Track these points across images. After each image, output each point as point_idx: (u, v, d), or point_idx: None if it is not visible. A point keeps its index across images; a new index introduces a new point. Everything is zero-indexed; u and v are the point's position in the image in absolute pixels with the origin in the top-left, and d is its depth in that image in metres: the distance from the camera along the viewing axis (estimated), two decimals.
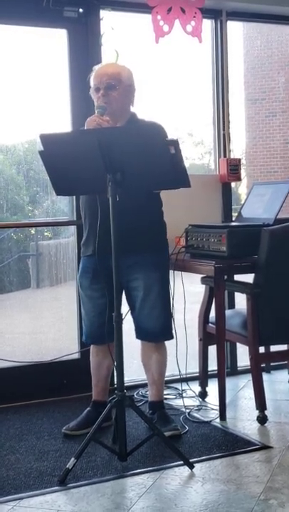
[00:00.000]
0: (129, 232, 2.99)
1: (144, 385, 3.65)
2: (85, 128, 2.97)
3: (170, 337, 3.20)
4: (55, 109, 3.98)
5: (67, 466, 2.68)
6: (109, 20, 3.77)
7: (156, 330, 3.15)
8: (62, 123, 3.87)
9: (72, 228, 3.99)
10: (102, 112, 2.96)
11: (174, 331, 3.22)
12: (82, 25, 3.75)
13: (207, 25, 4.10)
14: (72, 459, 2.69)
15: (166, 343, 3.25)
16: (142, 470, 2.75)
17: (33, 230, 5.34)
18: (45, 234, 5.25)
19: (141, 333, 3.18)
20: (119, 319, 2.78)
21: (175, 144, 2.66)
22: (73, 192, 3.31)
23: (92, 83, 3.12)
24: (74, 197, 3.84)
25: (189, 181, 2.78)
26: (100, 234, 2.95)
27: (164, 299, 3.15)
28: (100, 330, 3.13)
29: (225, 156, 4.18)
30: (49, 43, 3.92)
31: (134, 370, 4.05)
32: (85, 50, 3.76)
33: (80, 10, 3.73)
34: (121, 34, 3.79)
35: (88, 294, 3.20)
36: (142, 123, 3.14)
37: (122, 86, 3.07)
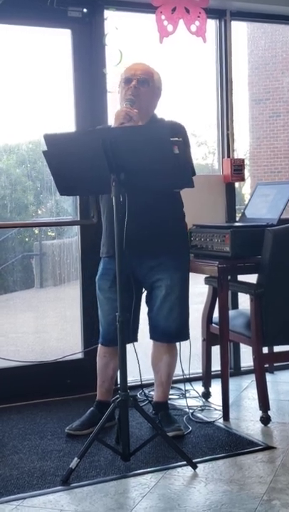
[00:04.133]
0: (145, 232, 2.97)
1: (147, 385, 3.64)
2: (114, 120, 2.95)
3: (185, 338, 3.20)
4: (59, 109, 3.98)
5: (71, 465, 2.68)
6: (114, 20, 3.77)
7: (173, 331, 3.14)
8: (66, 123, 3.88)
9: (76, 228, 3.99)
10: (131, 104, 2.96)
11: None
12: (87, 25, 3.76)
13: (211, 25, 4.10)
14: (76, 458, 2.70)
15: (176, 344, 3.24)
16: (145, 470, 2.75)
17: (36, 230, 5.35)
18: (49, 234, 5.25)
19: (156, 333, 3.17)
20: (123, 319, 2.78)
21: (179, 144, 2.66)
22: (77, 192, 3.31)
23: (123, 75, 3.09)
24: (78, 197, 3.84)
25: (193, 182, 2.78)
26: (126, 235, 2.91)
27: (183, 300, 3.15)
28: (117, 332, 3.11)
29: (229, 156, 4.18)
30: (53, 43, 3.92)
31: (137, 370, 4.04)
32: (89, 50, 3.76)
33: (85, 10, 3.73)
34: (125, 34, 3.79)
35: (107, 296, 3.17)
36: (162, 122, 3.12)
37: (153, 85, 3.08)
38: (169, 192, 3.05)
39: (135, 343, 3.09)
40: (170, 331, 3.14)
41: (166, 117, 3.16)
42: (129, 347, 2.87)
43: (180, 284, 3.13)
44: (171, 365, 3.21)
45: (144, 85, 3.04)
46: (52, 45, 3.92)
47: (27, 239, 5.44)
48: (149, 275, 3.09)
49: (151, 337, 3.20)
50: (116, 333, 3.10)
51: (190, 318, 3.39)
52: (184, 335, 3.18)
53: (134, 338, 3.12)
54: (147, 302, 3.18)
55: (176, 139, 2.69)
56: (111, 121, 3.20)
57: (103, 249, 3.22)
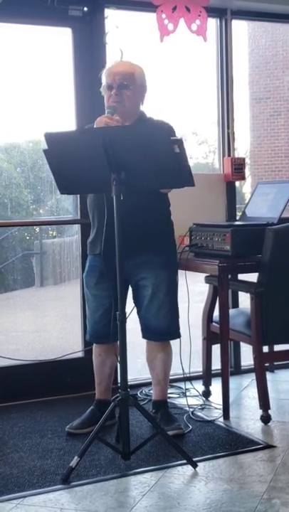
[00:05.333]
0: (138, 232, 2.99)
1: (147, 384, 3.65)
2: (95, 126, 2.97)
3: (176, 336, 3.20)
4: (60, 108, 3.98)
5: (71, 464, 2.68)
6: (114, 18, 3.77)
7: (163, 329, 3.15)
8: (66, 122, 3.87)
9: (76, 227, 3.99)
10: (112, 112, 2.97)
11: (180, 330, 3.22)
12: (87, 23, 3.75)
13: (212, 24, 4.10)
14: (76, 457, 2.70)
15: (170, 343, 3.25)
16: (146, 469, 2.75)
17: (37, 229, 5.35)
18: (50, 233, 5.26)
19: (148, 333, 3.18)
20: (123, 318, 2.78)
21: (179, 143, 2.66)
22: (77, 191, 3.31)
23: (104, 80, 3.11)
24: (78, 196, 3.84)
25: (193, 181, 2.77)
26: (106, 233, 2.95)
27: (171, 298, 3.15)
28: (104, 329, 3.13)
29: (229, 155, 4.18)
30: (54, 42, 3.92)
31: (138, 369, 4.05)
32: (89, 48, 3.76)
33: (85, 9, 3.73)
34: (126, 33, 3.79)
35: (94, 293, 3.20)
36: (151, 122, 3.13)
37: (135, 85, 3.07)
38: (157, 191, 3.06)
39: (133, 341, 3.09)
40: (161, 330, 3.15)
41: (169, 116, 3.15)
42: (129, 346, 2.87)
43: (167, 282, 3.13)
44: (166, 363, 3.21)
45: (125, 89, 3.04)
46: (52, 44, 3.92)
47: (27, 237, 5.44)
48: (135, 273, 3.09)
49: (143, 336, 3.21)
50: (103, 330, 3.13)
51: (190, 316, 3.40)
52: (175, 333, 3.19)
53: (117, 338, 3.11)
54: (135, 301, 3.18)
55: (177, 137, 2.69)
56: None
57: (89, 246, 3.24)
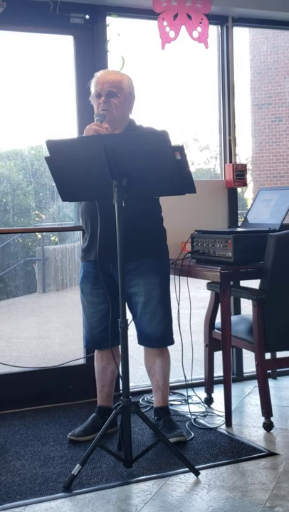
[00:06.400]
0: (129, 238, 2.99)
1: (149, 391, 3.64)
2: (84, 135, 2.98)
3: (170, 342, 3.21)
4: (62, 115, 3.99)
5: (73, 472, 2.68)
6: (116, 26, 3.78)
7: (158, 335, 3.15)
8: (68, 129, 3.88)
9: (78, 233, 3.99)
10: (101, 120, 2.99)
11: (174, 336, 3.21)
12: (89, 31, 3.77)
13: (213, 31, 4.11)
14: (78, 465, 2.69)
15: (172, 348, 3.25)
16: (147, 476, 2.74)
17: (39, 235, 5.36)
18: (52, 239, 5.26)
19: (143, 339, 3.18)
20: (125, 325, 2.78)
21: (181, 150, 2.66)
22: (79, 198, 3.29)
23: (92, 89, 3.13)
24: (80, 202, 3.84)
25: (195, 187, 2.78)
26: (100, 240, 2.95)
27: (164, 304, 3.16)
28: (101, 335, 3.14)
29: (231, 161, 4.18)
30: (56, 49, 3.93)
31: (140, 376, 4.05)
32: (91, 56, 3.78)
33: (87, 16, 3.74)
34: (127, 40, 3.80)
35: (89, 300, 3.20)
36: (141, 129, 3.15)
37: (123, 94, 3.09)
38: (151, 197, 3.06)
39: (132, 347, 3.08)
40: (155, 336, 3.15)
41: (171, 123, 3.16)
42: (131, 353, 2.86)
43: (160, 289, 3.14)
44: (164, 368, 3.21)
45: (113, 97, 3.07)
46: (54, 51, 3.94)
47: (29, 244, 5.45)
48: (127, 279, 3.09)
49: (139, 342, 3.21)
50: (100, 337, 3.13)
51: (192, 323, 3.39)
52: (170, 339, 3.20)
53: (117, 342, 3.11)
54: (129, 308, 3.18)
55: (178, 144, 2.69)
56: None
57: (83, 253, 3.24)
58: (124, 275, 2.80)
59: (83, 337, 3.32)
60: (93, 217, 3.05)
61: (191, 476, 2.73)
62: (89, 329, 3.24)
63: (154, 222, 3.18)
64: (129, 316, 3.01)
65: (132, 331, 2.87)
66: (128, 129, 3.11)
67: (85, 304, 3.24)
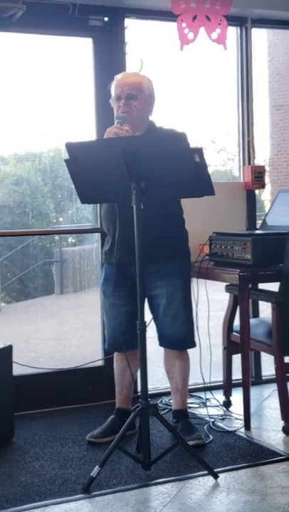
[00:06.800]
0: (151, 240, 2.99)
1: (167, 393, 3.64)
2: (105, 137, 2.99)
3: (192, 345, 3.20)
4: (80, 118, 4.00)
5: (92, 474, 2.68)
6: (134, 28, 3.79)
7: (180, 338, 3.15)
8: (87, 131, 3.89)
9: (97, 235, 4.00)
10: (121, 122, 3.00)
11: (196, 339, 3.21)
12: (107, 33, 3.78)
13: (232, 32, 4.10)
14: (97, 467, 2.69)
15: (190, 351, 3.24)
16: (166, 479, 2.74)
17: (57, 237, 5.38)
18: (70, 240, 5.28)
19: (164, 341, 3.18)
20: (143, 327, 2.78)
21: (199, 152, 2.66)
22: (98, 200, 3.31)
23: (112, 92, 3.14)
24: (98, 204, 3.85)
25: (213, 189, 2.77)
26: (121, 242, 2.96)
27: (186, 306, 3.15)
28: (123, 337, 3.14)
29: (249, 163, 4.17)
30: (74, 52, 3.95)
31: (158, 378, 4.04)
32: (110, 58, 3.78)
33: (106, 19, 3.75)
34: (146, 42, 3.81)
35: (111, 302, 3.21)
36: (162, 131, 3.15)
37: (143, 96, 3.10)
38: (170, 199, 3.06)
39: (151, 349, 3.08)
40: (177, 339, 3.15)
41: (189, 125, 3.16)
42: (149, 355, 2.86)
43: (182, 291, 3.14)
44: (184, 370, 3.20)
45: (133, 100, 3.07)
46: (73, 54, 3.95)
47: (47, 245, 5.48)
48: (149, 282, 3.09)
49: (160, 344, 3.21)
50: (121, 339, 3.13)
51: (210, 325, 3.38)
52: (191, 342, 3.19)
53: (130, 347, 3.11)
54: (151, 310, 3.18)
55: (197, 146, 2.69)
56: None
57: (104, 256, 3.25)
58: (143, 277, 2.80)
59: (105, 339, 3.32)
60: (115, 220, 3.06)
61: (209, 479, 2.73)
62: (110, 331, 3.24)
63: (176, 225, 3.18)
64: (148, 318, 3.02)
65: (150, 333, 2.87)
66: (148, 131, 3.12)
67: (107, 306, 3.25)
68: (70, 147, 2.79)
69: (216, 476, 2.73)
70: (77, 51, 3.93)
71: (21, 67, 3.96)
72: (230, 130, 4.44)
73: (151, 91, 3.14)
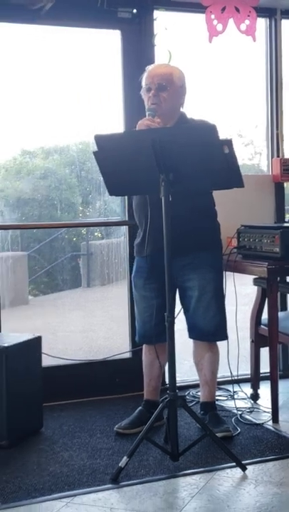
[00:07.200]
0: (184, 233, 2.99)
1: (195, 386, 3.64)
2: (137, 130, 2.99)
3: (224, 337, 3.19)
4: (109, 110, 4.01)
5: (120, 464, 2.70)
6: (163, 20, 3.78)
7: (211, 330, 3.14)
8: (115, 124, 3.90)
9: (124, 228, 4.01)
10: (152, 114, 2.99)
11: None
12: (136, 25, 3.77)
13: (261, 23, 4.07)
14: (125, 457, 2.71)
15: (218, 344, 3.23)
16: (194, 470, 2.74)
17: (84, 230, 5.41)
18: (96, 234, 5.30)
19: (195, 333, 3.18)
20: (172, 319, 2.78)
21: (229, 143, 2.65)
22: (126, 192, 3.33)
23: (143, 83, 3.14)
24: (126, 197, 3.86)
25: (243, 181, 2.76)
26: (153, 234, 2.96)
27: (218, 298, 3.15)
28: (153, 330, 3.14)
29: (278, 155, 4.14)
30: (103, 44, 3.95)
31: (184, 370, 4.04)
32: (138, 50, 3.78)
33: (134, 10, 3.75)
34: (174, 34, 3.79)
35: (142, 294, 3.21)
36: (193, 123, 3.13)
37: (173, 87, 3.08)
38: (199, 191, 3.05)
39: (179, 342, 3.08)
40: (208, 330, 3.14)
41: (217, 118, 3.15)
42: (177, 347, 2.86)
43: (214, 283, 3.13)
44: (213, 363, 3.20)
45: (163, 91, 3.06)
46: (102, 46, 3.95)
47: (75, 238, 5.51)
48: (181, 274, 3.09)
49: (190, 336, 3.21)
50: (152, 331, 3.13)
51: (237, 319, 3.37)
52: (223, 334, 3.18)
53: (159, 340, 3.11)
54: (182, 302, 3.18)
55: (226, 138, 2.67)
56: None
57: (136, 248, 3.26)
58: (171, 270, 2.80)
59: (136, 332, 3.32)
60: (146, 213, 3.06)
61: (238, 471, 2.72)
62: (141, 324, 3.25)
63: (207, 216, 3.17)
64: (177, 310, 3.03)
65: (178, 325, 2.87)
66: (179, 122, 3.11)
67: (138, 298, 3.25)
68: (99, 139, 2.80)
69: (244, 468, 2.73)
70: (106, 44, 3.93)
71: (49, 60, 3.97)
72: (258, 123, 4.40)
73: (182, 82, 3.13)
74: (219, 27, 3.83)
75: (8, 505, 2.49)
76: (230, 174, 2.71)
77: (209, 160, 2.70)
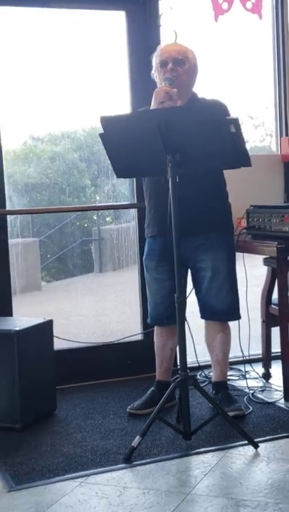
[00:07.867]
0: (196, 213, 2.99)
1: (206, 367, 3.65)
2: (153, 99, 2.96)
3: (237, 317, 3.19)
4: (115, 92, 3.99)
5: (133, 444, 2.72)
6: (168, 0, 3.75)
7: (224, 309, 3.14)
8: (121, 105, 3.88)
9: (133, 212, 4.02)
10: (170, 83, 2.96)
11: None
12: (141, 5, 3.74)
13: (268, 1, 4.02)
14: (138, 437, 2.73)
15: (229, 325, 3.24)
16: (207, 449, 2.76)
17: (94, 216, 5.41)
18: (107, 219, 5.30)
19: (207, 313, 3.18)
20: (182, 300, 2.79)
21: (235, 122, 2.63)
22: (133, 174, 3.32)
23: (157, 60, 3.10)
24: (134, 180, 3.86)
25: (250, 160, 2.74)
26: (165, 215, 2.96)
27: (231, 279, 3.15)
28: (166, 311, 3.15)
29: (287, 135, 4.10)
30: (108, 26, 3.93)
31: (197, 352, 4.05)
32: (143, 31, 3.75)
33: None
34: (180, 14, 3.76)
35: (154, 276, 3.21)
36: (203, 102, 3.12)
37: (189, 63, 3.08)
38: (214, 171, 3.04)
39: (191, 324, 3.09)
40: (221, 310, 3.14)
41: (225, 99, 3.12)
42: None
43: (226, 264, 3.13)
44: (225, 344, 3.20)
45: (180, 65, 3.05)
46: (106, 28, 3.93)
47: (85, 224, 5.51)
48: (194, 255, 3.09)
49: (202, 316, 3.21)
50: (164, 313, 3.14)
51: (248, 300, 3.37)
52: (236, 314, 3.18)
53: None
54: (194, 283, 3.18)
55: (233, 117, 2.66)
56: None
57: (147, 230, 3.26)
58: (185, 250, 2.80)
59: (148, 314, 3.34)
60: (157, 192, 3.05)
61: (250, 449, 2.74)
62: (153, 305, 3.26)
63: (217, 197, 3.16)
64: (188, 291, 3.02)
65: (190, 308, 2.87)
66: (190, 102, 3.09)
67: (150, 280, 3.25)
68: (105, 121, 2.79)
69: (256, 446, 2.74)
70: (111, 25, 3.91)
71: (55, 44, 3.95)
72: (268, 105, 4.37)
73: (195, 61, 3.12)
74: (225, 5, 3.80)
75: (22, 485, 2.52)
76: (237, 153, 2.69)
77: (216, 139, 2.69)
